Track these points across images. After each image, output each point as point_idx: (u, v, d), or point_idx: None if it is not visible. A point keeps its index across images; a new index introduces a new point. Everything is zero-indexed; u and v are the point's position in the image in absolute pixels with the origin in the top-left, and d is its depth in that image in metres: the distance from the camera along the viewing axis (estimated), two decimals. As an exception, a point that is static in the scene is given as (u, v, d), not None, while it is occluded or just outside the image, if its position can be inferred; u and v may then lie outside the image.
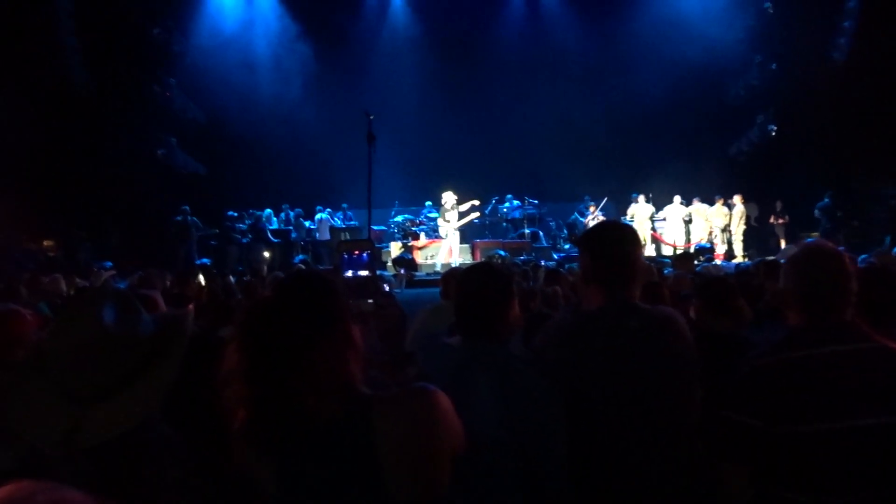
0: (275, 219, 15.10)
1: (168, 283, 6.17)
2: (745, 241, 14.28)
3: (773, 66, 14.50)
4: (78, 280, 7.45)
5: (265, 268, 11.49)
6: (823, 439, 1.72)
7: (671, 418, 1.87)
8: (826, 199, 13.57)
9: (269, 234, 14.54)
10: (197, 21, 15.97)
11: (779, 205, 14.28)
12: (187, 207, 14.14)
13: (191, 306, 4.08)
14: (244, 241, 14.58)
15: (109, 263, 11.34)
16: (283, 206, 15.45)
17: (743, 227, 14.35)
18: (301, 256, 12.28)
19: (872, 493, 1.72)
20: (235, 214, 14.93)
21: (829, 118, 12.96)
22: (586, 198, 15.70)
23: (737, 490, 1.83)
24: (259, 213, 14.94)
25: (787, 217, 14.21)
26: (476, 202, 13.89)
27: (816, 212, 13.66)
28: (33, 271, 8.59)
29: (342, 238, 15.07)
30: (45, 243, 12.86)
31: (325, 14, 16.77)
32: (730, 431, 1.81)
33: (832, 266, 1.85)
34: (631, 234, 2.10)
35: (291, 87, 16.22)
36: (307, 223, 15.35)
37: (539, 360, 1.95)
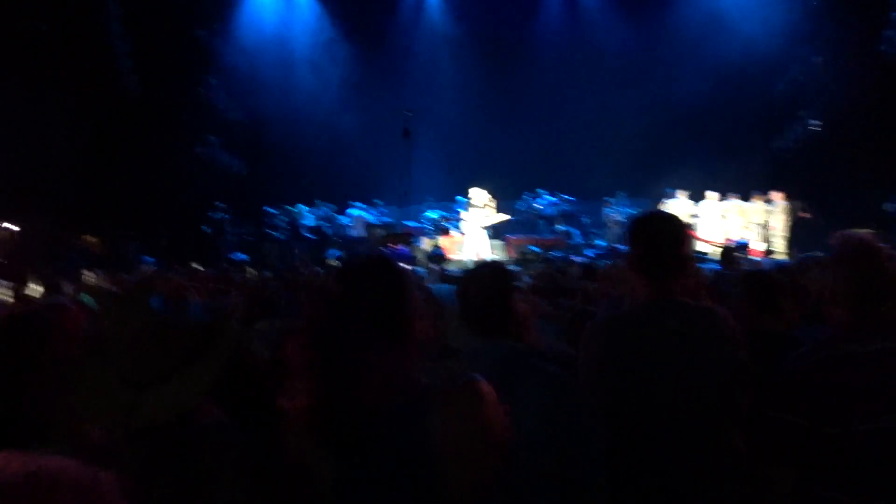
0: (309, 214, 15.27)
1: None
2: (790, 239, 13.90)
3: (819, 59, 14.14)
4: (123, 275, 7.64)
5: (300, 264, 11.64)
6: (872, 438, 1.69)
7: (712, 420, 1.84)
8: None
9: (304, 231, 14.73)
10: (237, 22, 16.23)
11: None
12: (221, 204, 14.40)
13: (237, 298, 4.16)
14: (281, 237, 14.80)
15: (152, 259, 11.60)
16: (318, 202, 15.61)
17: (789, 224, 13.95)
18: (337, 252, 12.39)
19: None
20: (273, 211, 15.16)
21: (877, 113, 12.61)
22: (621, 194, 15.52)
23: (784, 492, 1.80)
24: (292, 209, 15.15)
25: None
26: (507, 217, 13.85)
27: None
28: (76, 267, 8.83)
29: (377, 234, 15.19)
30: (90, 239, 13.19)
31: (362, 14, 16.88)
32: (776, 432, 1.78)
33: (876, 261, 1.82)
34: (677, 224, 2.06)
35: (329, 85, 16.41)
36: (341, 218, 15.48)
37: (573, 356, 1.95)
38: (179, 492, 1.46)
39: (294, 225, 14.78)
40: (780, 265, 7.91)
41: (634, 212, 14.93)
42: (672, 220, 2.09)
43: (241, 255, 12.25)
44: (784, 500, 1.80)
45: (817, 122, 14.15)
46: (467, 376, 1.47)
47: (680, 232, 2.02)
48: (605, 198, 15.47)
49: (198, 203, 14.28)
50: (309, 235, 14.75)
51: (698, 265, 8.16)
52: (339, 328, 1.42)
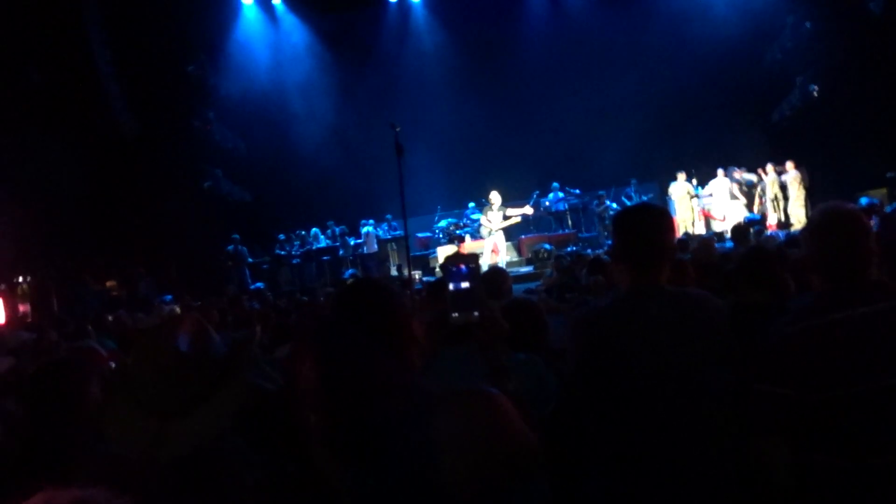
0: (322, 237, 15.42)
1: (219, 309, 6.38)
2: (806, 208, 13.77)
3: (808, 24, 14.08)
4: (140, 315, 7.77)
5: (318, 287, 11.75)
6: (859, 401, 1.72)
7: (699, 402, 1.87)
8: None
9: (318, 253, 14.89)
10: (227, 52, 16.44)
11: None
12: (237, 236, 14.59)
13: (258, 327, 4.26)
14: (295, 262, 14.96)
15: (169, 297, 11.77)
16: (329, 224, 15.76)
17: (803, 192, 13.82)
18: (350, 271, 12.51)
19: None
20: (284, 237, 15.34)
21: (872, 73, 12.52)
22: (633, 181, 15.52)
23: (779, 462, 1.82)
24: (304, 233, 15.32)
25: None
26: (529, 211, 13.76)
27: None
28: (98, 310, 8.99)
29: (390, 249, 15.31)
30: (108, 283, 13.42)
31: (349, 31, 17.08)
32: (765, 404, 1.82)
33: (850, 227, 1.85)
34: (656, 215, 2.11)
35: (324, 104, 16.54)
36: (351, 240, 15.58)
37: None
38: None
39: (307, 248, 14.95)
40: (791, 236, 7.91)
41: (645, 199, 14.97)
42: (652, 210, 2.13)
43: (257, 284, 12.40)
44: (778, 471, 1.83)
45: (814, 87, 14.07)
46: (481, 386, 1.52)
47: (660, 222, 2.07)
48: (600, 192, 15.44)
49: (207, 236, 14.45)
50: (323, 257, 14.90)
51: (713, 245, 8.20)
52: (338, 342, 1.49)
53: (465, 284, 1.77)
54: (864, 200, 12.23)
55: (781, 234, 11.82)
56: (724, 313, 2.02)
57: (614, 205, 14.99)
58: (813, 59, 14.06)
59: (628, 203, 15.12)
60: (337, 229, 15.67)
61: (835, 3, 13.22)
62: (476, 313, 1.63)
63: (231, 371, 1.68)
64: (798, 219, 13.55)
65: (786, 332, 1.85)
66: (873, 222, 6.83)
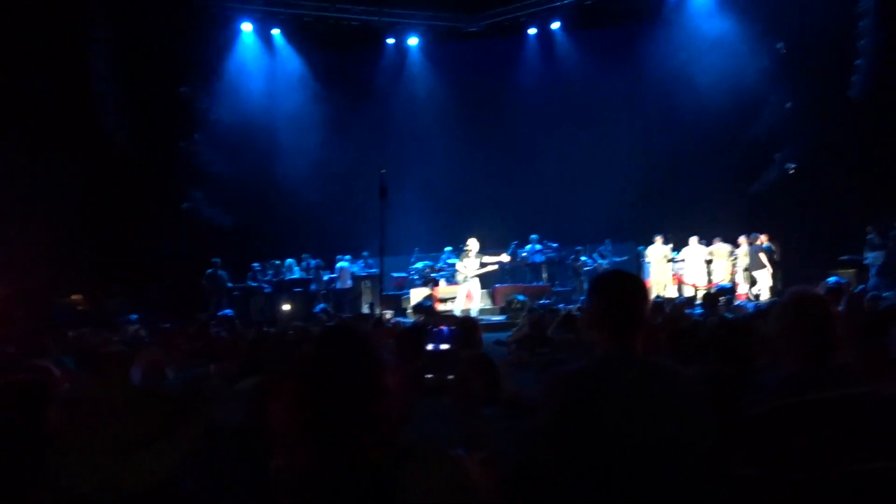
0: (296, 268, 15.32)
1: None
2: (775, 279, 14.00)
3: (789, 104, 14.55)
4: (106, 334, 7.62)
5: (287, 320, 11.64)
6: (817, 487, 1.74)
7: (666, 474, 1.87)
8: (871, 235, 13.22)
9: (290, 284, 14.78)
10: (221, 77, 16.53)
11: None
12: (218, 260, 14.48)
13: (213, 366, 4.19)
14: (267, 290, 14.83)
15: (135, 316, 11.56)
16: (304, 256, 15.68)
17: (773, 265, 14.07)
18: (321, 305, 12.40)
19: None
20: (259, 266, 15.22)
21: (849, 154, 12.93)
22: (607, 241, 15.72)
23: None
24: (280, 263, 15.23)
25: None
26: (505, 259, 13.87)
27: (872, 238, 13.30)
28: (59, 326, 8.78)
29: (364, 286, 15.26)
30: (73, 297, 13.14)
31: (344, 67, 17.31)
32: (732, 482, 1.83)
33: (816, 312, 1.90)
34: (633, 283, 2.12)
35: (312, 136, 16.62)
36: (325, 274, 15.49)
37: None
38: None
39: (280, 279, 14.83)
40: (759, 308, 8.02)
41: (617, 259, 15.19)
42: (629, 278, 2.15)
43: (226, 311, 12.23)
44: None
45: (791, 165, 14.47)
46: (447, 448, 1.54)
47: (636, 290, 2.08)
48: (577, 248, 15.64)
49: (185, 258, 14.31)
50: (295, 289, 14.78)
51: (685, 311, 8.29)
52: (329, 388, 1.49)
53: (444, 346, 1.77)
54: (832, 280, 12.51)
55: (751, 304, 12.00)
56: (698, 386, 2.03)
57: (590, 260, 15.18)
58: (792, 137, 14.49)
59: (601, 260, 15.31)
60: (312, 262, 15.59)
61: (815, 87, 13.70)
62: (451, 376, 1.64)
63: (188, 408, 1.65)
64: (767, 290, 13.79)
65: (758, 411, 1.87)
66: (841, 302, 6.97)
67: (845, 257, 13.41)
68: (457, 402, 1.61)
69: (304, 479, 1.48)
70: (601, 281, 2.18)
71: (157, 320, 10.44)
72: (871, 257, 13.12)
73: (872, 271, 12.90)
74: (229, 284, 14.76)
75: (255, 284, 15.04)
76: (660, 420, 1.87)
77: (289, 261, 15.33)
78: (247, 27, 17.04)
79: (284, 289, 14.73)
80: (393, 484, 1.42)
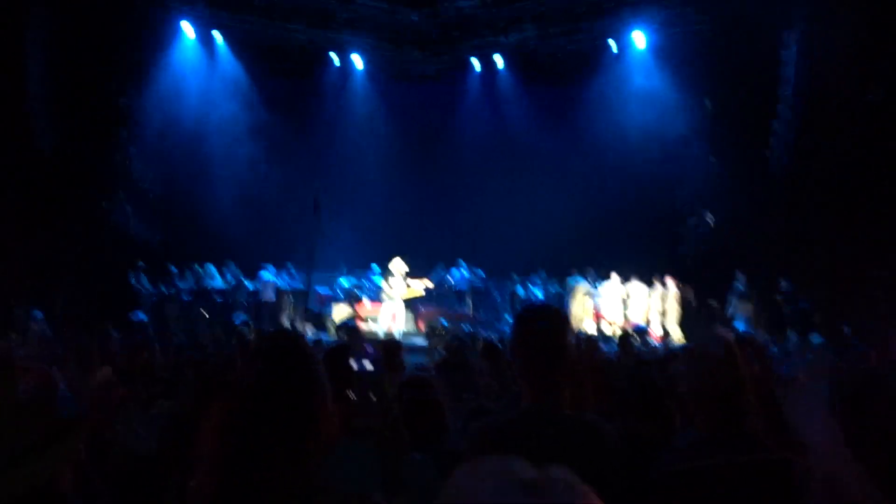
0: (217, 275, 14.88)
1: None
2: (682, 324, 14.59)
3: (711, 158, 15.25)
4: (13, 336, 7.22)
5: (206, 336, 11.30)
6: None
7: None
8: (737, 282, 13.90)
9: (211, 293, 14.35)
10: (156, 79, 15.98)
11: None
12: (142, 263, 13.97)
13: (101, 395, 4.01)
14: (186, 298, 14.32)
15: (40, 314, 10.99)
16: (228, 262, 15.26)
17: (679, 309, 14.69)
18: (242, 317, 12.09)
19: None
20: (176, 271, 14.69)
21: (764, 211, 13.64)
22: (542, 272, 16.03)
23: None
24: (200, 269, 14.76)
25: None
26: (430, 285, 14.00)
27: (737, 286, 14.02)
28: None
29: (287, 300, 14.96)
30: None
31: (286, 81, 17.14)
32: None
33: (724, 376, 1.91)
34: (560, 335, 2.05)
35: (247, 144, 16.26)
36: (248, 283, 15.12)
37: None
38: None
39: (200, 287, 14.37)
40: (669, 350, 8.34)
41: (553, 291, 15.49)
42: (557, 330, 2.05)
43: (140, 316, 11.78)
44: None
45: (711, 217, 15.12)
46: (367, 495, 1.49)
47: (564, 342, 2.03)
48: (535, 276, 15.91)
49: (105, 263, 13.73)
50: (216, 299, 14.35)
51: (598, 345, 8.51)
52: (256, 418, 1.43)
53: (368, 367, 1.73)
54: (741, 327, 13.17)
55: (661, 345, 12.48)
56: (619, 445, 2.04)
57: (522, 290, 15.48)
58: (714, 191, 15.14)
59: (535, 289, 15.60)
60: (236, 270, 15.16)
61: (741, 153, 14.44)
62: (373, 397, 1.62)
63: (63, 432, 1.58)
64: (675, 333, 14.34)
65: (666, 473, 1.91)
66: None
67: None
68: (383, 443, 1.59)
69: None
70: (526, 331, 2.09)
71: (64, 321, 9.94)
72: (734, 305, 13.81)
73: (737, 322, 13.51)
74: (151, 289, 14.21)
75: (173, 291, 14.49)
76: (580, 476, 1.88)
77: (210, 266, 14.86)
78: (186, 27, 16.57)
79: (204, 297, 14.27)
80: None
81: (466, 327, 13.01)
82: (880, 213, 12.24)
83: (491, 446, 1.98)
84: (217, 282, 14.70)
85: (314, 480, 1.46)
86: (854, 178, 12.48)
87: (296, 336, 1.65)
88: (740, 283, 13.92)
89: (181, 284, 14.55)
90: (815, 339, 10.29)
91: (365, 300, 14.49)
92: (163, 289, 14.44)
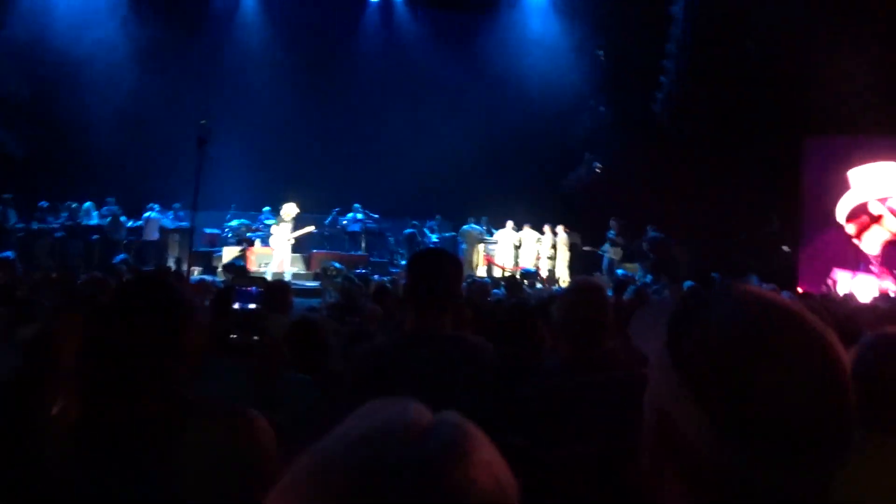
0: (95, 213, 14.00)
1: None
2: (570, 268, 15.32)
3: (601, 109, 15.80)
4: None
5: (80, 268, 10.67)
6: (567, 463, 1.91)
7: None
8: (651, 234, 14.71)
9: (86, 231, 13.52)
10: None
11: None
12: (10, 196, 12.92)
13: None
14: (58, 234, 13.41)
15: None
16: (109, 200, 14.38)
17: (568, 254, 15.43)
18: (122, 256, 11.50)
19: None
20: (47, 205, 13.70)
21: (648, 163, 14.33)
22: (437, 217, 16.17)
23: None
24: (77, 205, 13.85)
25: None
26: (312, 229, 13.88)
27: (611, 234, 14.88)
28: None
29: (172, 239, 14.37)
30: None
31: (171, 5, 15.97)
32: (503, 453, 1.95)
33: (592, 299, 2.09)
34: (447, 264, 2.19)
35: (127, 70, 15.13)
36: (130, 221, 14.34)
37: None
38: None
39: (74, 222, 13.49)
40: (555, 293, 8.71)
41: (447, 235, 15.73)
42: (444, 258, 2.22)
43: (6, 253, 10.94)
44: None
45: (599, 165, 15.76)
46: (243, 407, 1.48)
47: (450, 270, 2.17)
48: (413, 221, 16.01)
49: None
50: (92, 236, 13.53)
51: (489, 290, 8.76)
52: (115, 338, 1.42)
53: (251, 306, 1.74)
54: (620, 272, 13.94)
55: (553, 289, 13.00)
56: (495, 364, 2.16)
57: (417, 233, 15.64)
58: (603, 140, 15.77)
59: (431, 235, 15.78)
60: (114, 208, 14.32)
61: (626, 96, 15.02)
62: (256, 337, 1.61)
63: None
64: (563, 277, 15.05)
65: (529, 392, 2.04)
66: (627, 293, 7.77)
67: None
68: (259, 364, 1.60)
69: (78, 429, 1.40)
70: (417, 260, 2.27)
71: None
72: (606, 249, 14.77)
73: (604, 264, 14.51)
74: (17, 224, 13.18)
75: (44, 226, 13.54)
76: (454, 390, 1.99)
77: (87, 204, 13.90)
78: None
79: (78, 234, 13.43)
80: (170, 438, 1.38)
81: (360, 270, 13.00)
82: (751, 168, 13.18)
83: (374, 368, 2.05)
84: (94, 219, 13.85)
85: (182, 396, 1.44)
86: (729, 131, 13.31)
87: (162, 269, 1.64)
88: (613, 231, 14.73)
89: (54, 221, 13.60)
90: (686, 284, 11.03)
91: (257, 242, 14.14)
92: (33, 225, 13.46)
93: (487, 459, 0.62)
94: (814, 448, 0.64)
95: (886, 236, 13.57)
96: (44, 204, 13.73)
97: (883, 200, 13.63)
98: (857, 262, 13.53)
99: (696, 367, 0.69)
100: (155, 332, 1.43)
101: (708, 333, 0.70)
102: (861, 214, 13.73)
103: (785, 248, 14.04)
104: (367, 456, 0.55)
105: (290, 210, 13.14)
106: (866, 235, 13.69)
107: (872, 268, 13.40)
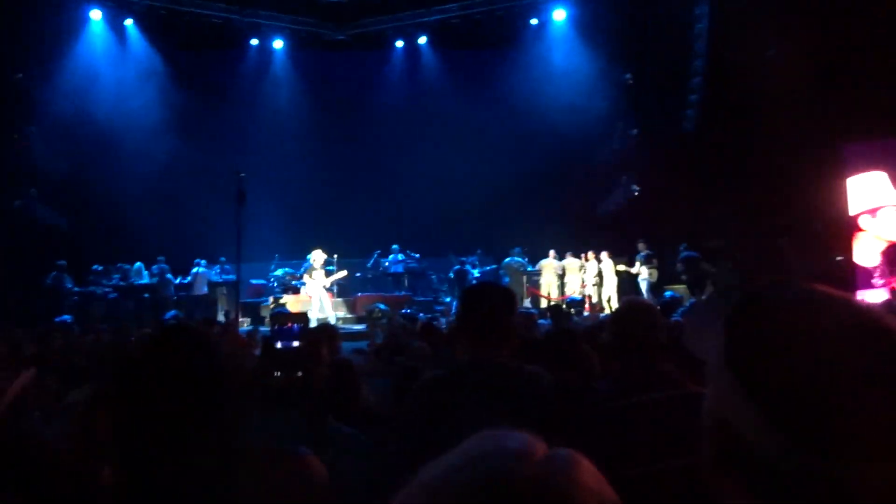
0: (145, 273, 14.41)
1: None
2: (620, 292, 15.03)
3: (634, 132, 15.72)
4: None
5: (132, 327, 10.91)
6: (648, 482, 1.87)
7: None
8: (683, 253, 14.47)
9: (138, 290, 13.90)
10: (64, 66, 15.25)
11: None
12: (63, 262, 13.38)
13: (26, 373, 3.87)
14: (111, 296, 13.81)
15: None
16: (159, 259, 14.79)
17: (615, 279, 15.14)
18: (173, 312, 11.76)
19: None
20: (100, 268, 14.16)
21: (683, 181, 14.15)
22: (479, 251, 16.18)
23: None
24: (128, 266, 14.27)
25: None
26: (345, 273, 14.03)
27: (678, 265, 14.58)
28: None
29: (220, 293, 14.65)
30: None
31: (203, 66, 16.60)
32: None
33: (644, 320, 2.07)
34: (501, 294, 2.24)
35: (165, 136, 15.67)
36: (176, 278, 14.68)
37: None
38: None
39: (127, 283, 13.89)
40: (603, 320, 8.57)
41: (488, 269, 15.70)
42: (497, 289, 2.26)
43: (64, 317, 11.28)
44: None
45: (637, 188, 15.61)
46: (294, 448, 1.47)
47: (504, 301, 2.19)
48: (461, 258, 16.03)
49: (16, 261, 13.07)
50: (143, 294, 13.90)
51: (535, 320, 8.65)
52: (148, 395, 1.38)
53: (294, 343, 1.73)
54: (668, 294, 13.64)
55: (600, 315, 12.79)
56: (552, 390, 2.15)
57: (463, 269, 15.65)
58: (636, 162, 15.64)
59: (473, 270, 15.77)
60: (165, 266, 14.71)
61: (656, 117, 14.93)
62: (300, 373, 1.60)
63: None
64: (613, 303, 14.77)
65: (590, 414, 2.02)
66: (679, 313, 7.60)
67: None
68: (305, 409, 1.59)
69: (129, 495, 1.37)
70: (473, 290, 2.32)
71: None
72: (641, 271, 14.46)
73: (644, 287, 14.21)
74: (73, 288, 13.63)
75: (97, 289, 13.96)
76: (514, 420, 1.94)
77: (137, 264, 14.36)
78: (96, 15, 15.86)
79: (130, 294, 13.80)
80: (225, 489, 1.34)
81: (405, 311, 13.01)
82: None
83: (431, 394, 2.03)
84: (145, 278, 14.25)
85: (230, 444, 1.42)
86: (763, 139, 13.07)
87: (185, 322, 1.63)
88: (642, 253, 14.49)
89: (106, 283, 14.04)
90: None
91: (302, 290, 14.33)
92: (88, 288, 13.89)
93: (598, 489, 0.62)
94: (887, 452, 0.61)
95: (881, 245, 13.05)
96: (97, 268, 14.20)
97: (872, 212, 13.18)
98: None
99: (758, 370, 0.66)
100: (183, 379, 1.40)
101: (774, 334, 0.67)
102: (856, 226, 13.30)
103: (839, 257, 13.57)
104: (483, 474, 0.54)
105: (317, 256, 13.34)
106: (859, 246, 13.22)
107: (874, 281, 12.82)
